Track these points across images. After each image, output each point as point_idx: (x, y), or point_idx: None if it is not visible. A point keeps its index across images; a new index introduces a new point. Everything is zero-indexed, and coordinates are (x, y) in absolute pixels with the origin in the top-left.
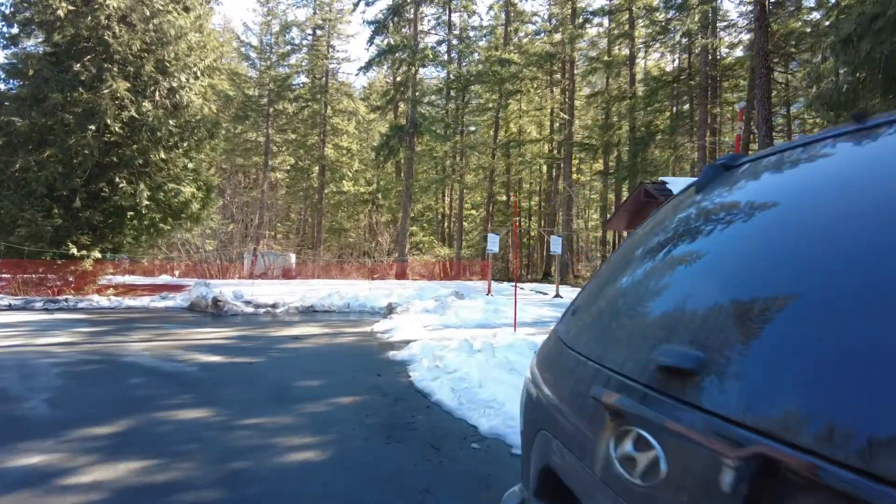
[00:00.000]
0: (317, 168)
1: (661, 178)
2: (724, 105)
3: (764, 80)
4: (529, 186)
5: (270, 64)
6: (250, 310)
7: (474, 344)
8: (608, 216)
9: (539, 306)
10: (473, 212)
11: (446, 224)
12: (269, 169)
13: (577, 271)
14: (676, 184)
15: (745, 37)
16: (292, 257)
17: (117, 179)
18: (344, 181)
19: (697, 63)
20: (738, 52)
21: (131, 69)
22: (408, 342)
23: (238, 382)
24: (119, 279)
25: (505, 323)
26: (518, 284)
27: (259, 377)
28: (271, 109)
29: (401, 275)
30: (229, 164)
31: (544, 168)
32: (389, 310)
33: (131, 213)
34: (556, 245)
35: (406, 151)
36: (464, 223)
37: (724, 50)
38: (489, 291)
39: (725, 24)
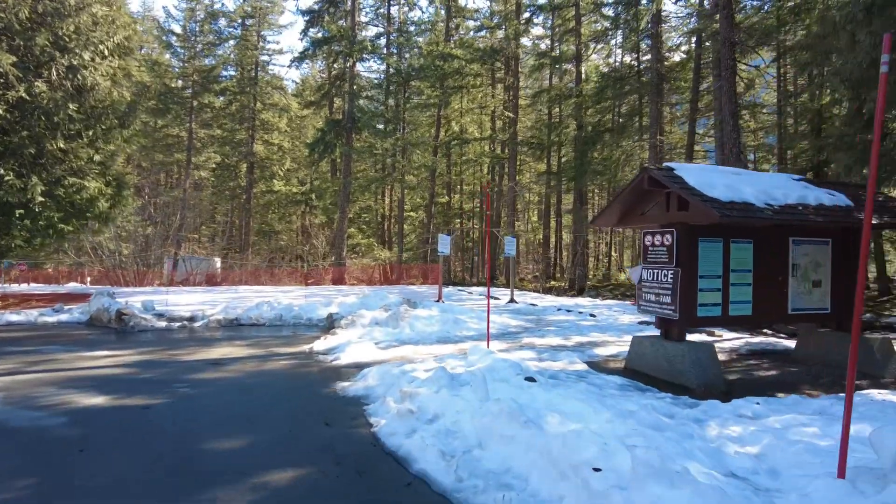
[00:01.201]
0: (245, 166)
1: (666, 164)
2: (667, 106)
3: (730, 72)
4: (471, 188)
5: (195, 53)
6: (163, 324)
7: (449, 368)
8: (589, 216)
9: (497, 313)
10: (413, 213)
11: (386, 226)
12: (193, 167)
13: (520, 273)
14: (684, 170)
15: (682, 45)
16: (217, 262)
17: (2, 171)
18: (274, 180)
19: (648, 60)
20: (678, 57)
21: (20, 42)
22: (360, 367)
23: (121, 445)
24: (13, 288)
25: (468, 336)
26: (463, 288)
27: (154, 434)
28: (195, 103)
29: (338, 280)
30: (149, 162)
31: (485, 169)
32: (331, 322)
33: (21, 210)
34: (510, 247)
35: (343, 148)
36: (404, 225)
37: (666, 52)
38: (440, 297)
39: (682, 16)
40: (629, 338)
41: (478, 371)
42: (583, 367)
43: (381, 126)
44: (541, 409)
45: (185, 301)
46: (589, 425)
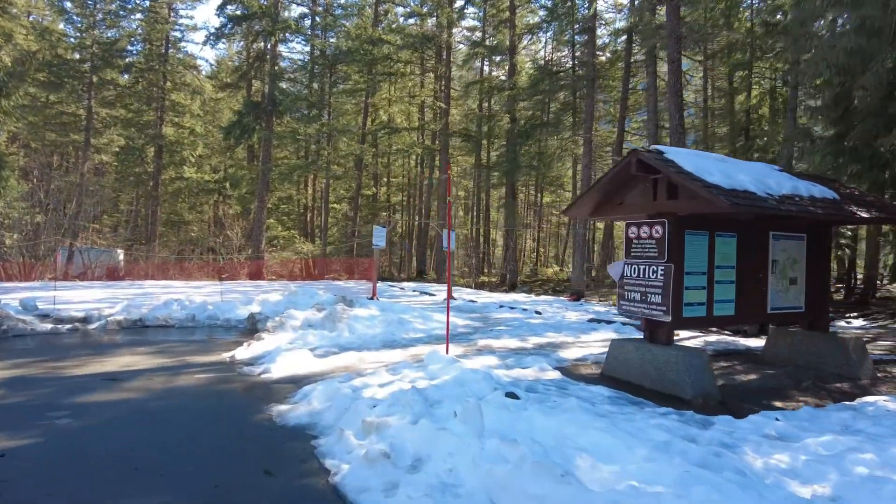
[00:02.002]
0: (152, 150)
1: (655, 147)
2: (598, 103)
3: (676, 65)
4: (399, 180)
5: (94, 23)
6: (48, 326)
7: (411, 382)
8: (519, 211)
9: (440, 311)
10: (337, 205)
11: (309, 217)
12: (92, 149)
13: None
14: (675, 153)
15: (611, 45)
16: (120, 254)
17: None
18: (185, 166)
19: (581, 56)
20: (605, 58)
21: None
22: (297, 383)
23: None
24: None
25: (416, 339)
26: (394, 284)
27: (7, 502)
28: (95, 78)
29: (255, 275)
30: (39, 142)
31: (412, 161)
32: (253, 324)
33: None
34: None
35: (263, 132)
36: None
37: (597, 52)
38: (374, 294)
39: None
40: (586, 337)
41: (445, 386)
42: (556, 374)
43: (304, 111)
44: (554, 444)
45: (80, 298)
46: (627, 467)
